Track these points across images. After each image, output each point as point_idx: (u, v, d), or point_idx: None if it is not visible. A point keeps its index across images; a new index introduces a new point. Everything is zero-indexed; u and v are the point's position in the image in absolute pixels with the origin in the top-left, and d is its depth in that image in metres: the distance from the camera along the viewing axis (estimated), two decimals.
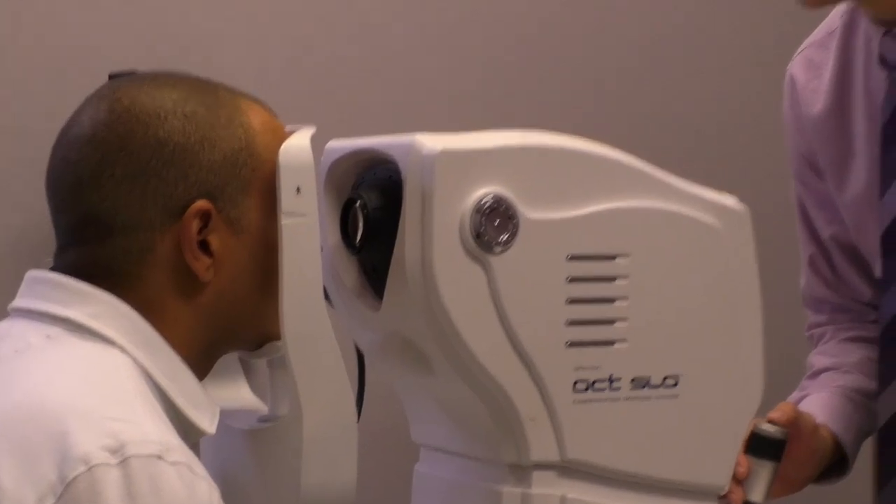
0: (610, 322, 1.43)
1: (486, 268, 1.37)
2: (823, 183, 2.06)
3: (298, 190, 1.41)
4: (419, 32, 2.98)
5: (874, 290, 2.05)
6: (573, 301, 1.41)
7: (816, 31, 2.06)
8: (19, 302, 1.41)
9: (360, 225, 1.44)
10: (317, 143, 1.45)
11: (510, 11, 3.05)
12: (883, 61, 1.93)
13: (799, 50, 2.07)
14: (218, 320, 1.42)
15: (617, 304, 1.43)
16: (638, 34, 3.15)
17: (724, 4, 3.20)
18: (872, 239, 1.99)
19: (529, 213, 1.39)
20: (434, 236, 1.37)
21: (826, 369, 2.08)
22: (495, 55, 3.04)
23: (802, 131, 2.06)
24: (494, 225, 1.37)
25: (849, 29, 2.00)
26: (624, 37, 3.14)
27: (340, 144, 1.49)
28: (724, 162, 3.06)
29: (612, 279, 1.43)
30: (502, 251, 1.38)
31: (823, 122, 2.02)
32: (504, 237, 1.37)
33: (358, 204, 1.44)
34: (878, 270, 2.01)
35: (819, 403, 2.01)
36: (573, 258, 1.41)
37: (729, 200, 1.49)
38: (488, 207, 1.37)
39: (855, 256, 2.07)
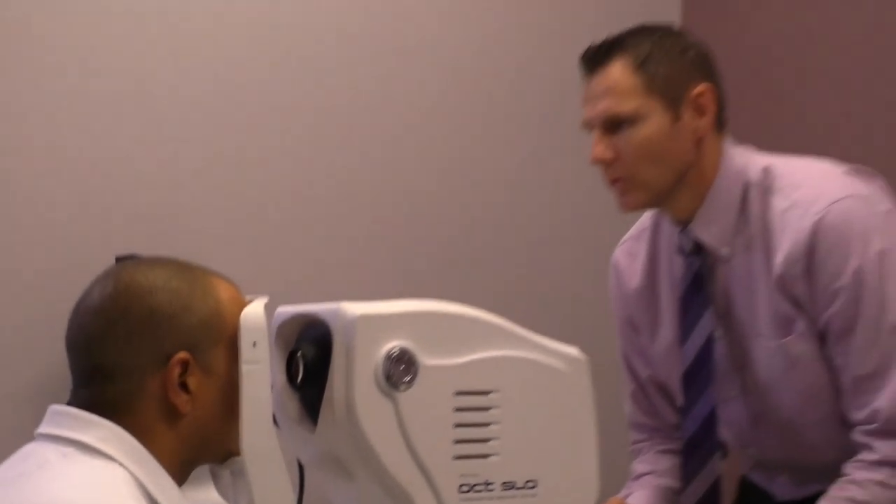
0: (486, 441, 1.41)
1: (394, 402, 1.36)
2: (640, 338, 2.06)
3: (255, 344, 1.40)
4: (339, 220, 3.00)
5: (679, 415, 2.05)
6: (458, 425, 1.39)
7: (632, 229, 2.08)
8: (43, 428, 1.39)
9: (301, 370, 1.42)
10: (269, 308, 1.44)
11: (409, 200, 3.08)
12: (680, 250, 1.94)
13: (620, 242, 2.09)
14: (193, 441, 1.40)
15: (491, 427, 1.41)
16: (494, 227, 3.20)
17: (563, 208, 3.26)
18: (676, 379, 1.99)
19: (426, 360, 1.37)
20: (355, 379, 1.35)
21: (645, 473, 2.07)
22: (398, 239, 3.06)
23: (625, 301, 2.07)
24: (400, 370, 1.36)
25: (656, 227, 2.02)
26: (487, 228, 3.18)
27: (286, 310, 1.48)
28: (571, 320, 3.07)
29: (487, 409, 1.41)
30: (406, 389, 1.36)
31: (639, 295, 2.03)
32: (407, 379, 1.36)
33: (299, 354, 1.42)
34: (680, 402, 2.01)
35: (640, 499, 2.01)
36: (458, 393, 1.39)
37: (573, 351, 1.49)
38: (396, 357, 1.36)
39: (665, 392, 2.07)
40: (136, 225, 2.70)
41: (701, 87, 1.84)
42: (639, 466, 2.09)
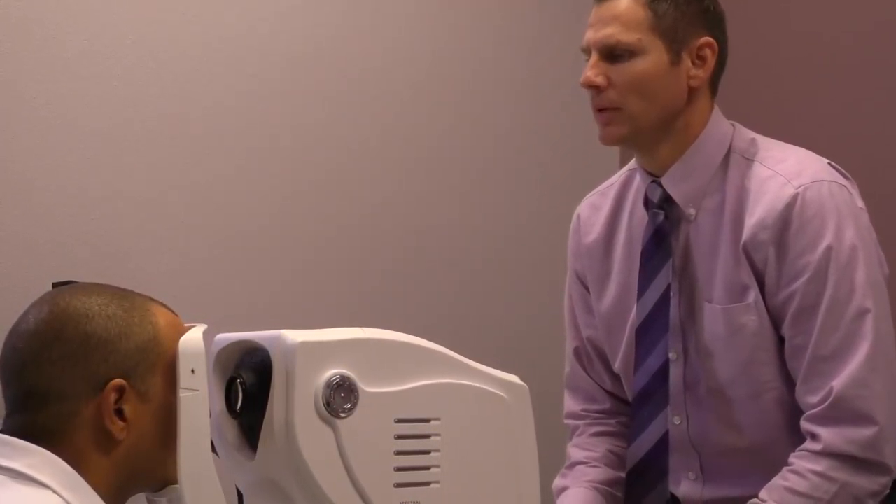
0: (426, 468, 1.39)
1: (335, 429, 1.34)
2: (588, 295, 2.04)
3: (193, 371, 1.38)
4: (279, 248, 2.99)
5: (612, 380, 2.03)
6: (399, 453, 1.38)
7: (600, 186, 2.06)
8: None
9: (240, 396, 1.39)
10: (208, 335, 1.42)
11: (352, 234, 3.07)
12: (646, 203, 1.92)
13: (586, 197, 2.08)
14: (129, 468, 1.37)
15: (431, 455, 1.40)
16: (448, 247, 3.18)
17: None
18: (617, 340, 1.97)
19: (366, 387, 1.35)
20: (295, 405, 1.33)
21: (579, 462, 2.02)
22: (334, 269, 3.05)
23: (579, 255, 2.04)
24: (340, 397, 1.34)
25: (625, 184, 2.00)
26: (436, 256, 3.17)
27: (226, 336, 1.45)
28: (511, 349, 3.07)
29: (427, 436, 1.39)
30: (346, 416, 1.34)
31: (594, 248, 2.01)
32: (348, 406, 1.34)
33: (238, 381, 1.40)
34: (616, 366, 1.99)
35: (575, 498, 1.97)
36: (399, 421, 1.38)
37: (513, 378, 1.47)
38: (336, 384, 1.34)
39: (601, 355, 2.04)
40: (73, 251, 2.66)
41: (705, 39, 1.85)
42: (574, 451, 2.05)
